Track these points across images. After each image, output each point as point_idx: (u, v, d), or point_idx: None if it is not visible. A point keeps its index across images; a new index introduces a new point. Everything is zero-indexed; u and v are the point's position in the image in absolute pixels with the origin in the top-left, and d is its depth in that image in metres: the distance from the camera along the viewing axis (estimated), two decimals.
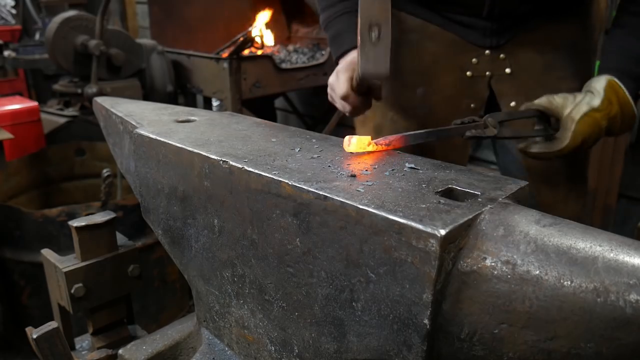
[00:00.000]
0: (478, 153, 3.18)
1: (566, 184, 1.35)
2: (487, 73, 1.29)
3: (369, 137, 0.80)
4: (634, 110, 1.12)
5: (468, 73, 1.29)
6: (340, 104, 1.19)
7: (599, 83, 1.11)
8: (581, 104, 1.08)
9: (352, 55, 1.19)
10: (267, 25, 3.81)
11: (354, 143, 0.80)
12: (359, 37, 0.93)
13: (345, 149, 0.80)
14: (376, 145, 0.81)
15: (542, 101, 1.11)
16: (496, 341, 0.55)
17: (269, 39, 3.71)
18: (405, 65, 1.35)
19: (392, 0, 1.30)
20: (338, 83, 1.15)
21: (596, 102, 1.08)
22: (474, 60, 1.28)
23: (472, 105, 1.31)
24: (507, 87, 1.29)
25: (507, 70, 1.27)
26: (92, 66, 2.66)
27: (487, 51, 1.27)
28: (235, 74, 2.79)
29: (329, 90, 1.22)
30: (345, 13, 1.26)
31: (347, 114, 1.22)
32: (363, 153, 0.81)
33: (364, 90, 1.13)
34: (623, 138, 2.42)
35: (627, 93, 1.10)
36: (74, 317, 1.08)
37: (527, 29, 1.26)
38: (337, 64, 1.24)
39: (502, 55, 1.27)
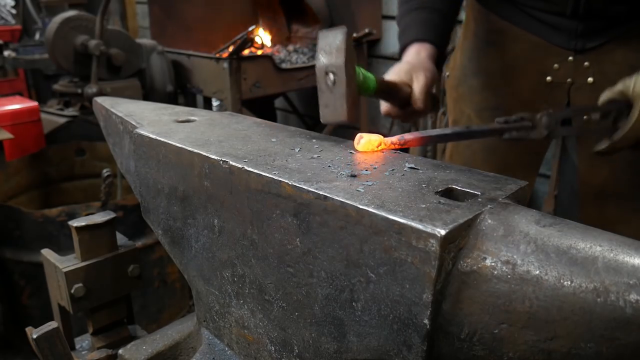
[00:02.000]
0: None
1: (631, 200, 1.25)
2: (568, 80, 1.23)
3: (379, 137, 0.80)
4: None
5: (548, 78, 1.25)
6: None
7: None
8: None
9: (407, 56, 1.13)
10: (267, 26, 3.82)
11: (363, 142, 0.79)
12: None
13: (356, 147, 0.81)
14: (388, 144, 0.80)
15: (616, 88, 1.02)
16: (496, 341, 0.55)
17: (266, 39, 3.72)
18: (486, 65, 1.33)
19: (482, 2, 1.21)
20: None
21: None
22: (555, 65, 1.23)
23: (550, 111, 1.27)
24: (584, 98, 1.22)
25: (590, 80, 1.21)
26: (92, 66, 2.66)
27: (570, 57, 1.21)
28: (235, 74, 2.79)
29: None
30: (418, 9, 1.20)
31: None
32: (372, 152, 0.80)
33: (401, 104, 1.07)
34: None
35: None
36: (74, 317, 1.08)
37: (620, 35, 1.17)
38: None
39: (586, 63, 1.20)
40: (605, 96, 1.04)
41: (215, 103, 3.01)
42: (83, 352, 1.09)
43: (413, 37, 1.15)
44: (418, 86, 1.04)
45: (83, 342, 1.12)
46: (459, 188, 0.66)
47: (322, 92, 0.89)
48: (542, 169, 1.41)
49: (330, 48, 0.87)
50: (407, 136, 0.83)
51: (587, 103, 1.17)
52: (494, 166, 1.27)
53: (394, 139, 0.82)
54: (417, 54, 1.12)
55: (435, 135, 0.85)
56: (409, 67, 1.08)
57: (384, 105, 1.08)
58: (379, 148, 0.81)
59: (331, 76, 0.86)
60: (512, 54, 1.28)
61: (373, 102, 3.57)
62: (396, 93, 1.03)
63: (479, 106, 1.35)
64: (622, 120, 1.01)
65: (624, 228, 1.10)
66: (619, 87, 1.02)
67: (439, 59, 1.16)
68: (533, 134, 0.93)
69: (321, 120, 0.91)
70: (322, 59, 0.88)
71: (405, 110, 1.08)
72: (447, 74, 1.49)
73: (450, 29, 1.21)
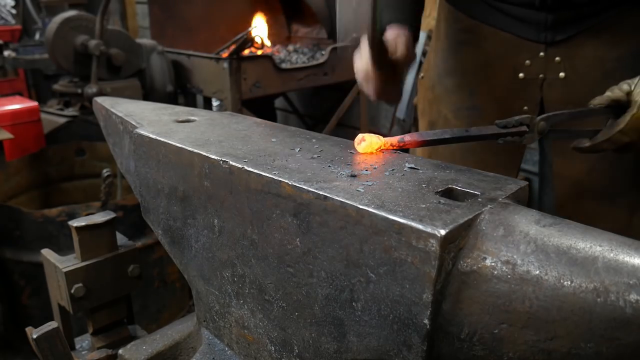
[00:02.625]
0: None
1: (608, 194, 1.23)
2: (540, 76, 1.22)
3: (380, 138, 0.80)
4: None
5: (521, 75, 1.24)
6: (363, 85, 1.05)
7: None
8: None
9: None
10: (267, 26, 3.82)
11: (364, 144, 0.80)
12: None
13: (357, 149, 0.81)
14: (388, 146, 0.81)
15: (609, 93, 1.00)
16: (496, 341, 0.55)
17: (266, 39, 3.71)
18: (460, 65, 1.33)
19: (451, 2, 1.20)
20: (358, 57, 1.02)
21: None
22: (527, 61, 1.23)
23: (525, 108, 1.25)
24: (557, 93, 1.22)
25: (561, 75, 1.20)
26: (92, 66, 2.66)
27: (541, 52, 1.20)
28: (235, 74, 2.79)
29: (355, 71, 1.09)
30: None
31: (372, 100, 1.10)
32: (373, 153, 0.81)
33: (386, 65, 1.01)
34: None
35: None
36: (74, 317, 1.08)
37: (589, 28, 1.16)
38: None
39: (557, 58, 1.20)
40: (605, 98, 1.02)
41: (215, 103, 3.01)
42: (83, 352, 1.09)
43: (387, 21, 1.10)
44: (400, 40, 1.00)
45: (83, 342, 1.12)
46: (459, 188, 0.66)
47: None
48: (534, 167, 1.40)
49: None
50: (407, 138, 0.83)
51: (558, 99, 1.17)
52: (471, 165, 1.24)
53: (394, 140, 0.82)
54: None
55: (434, 138, 0.85)
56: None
57: (364, 60, 1.01)
58: (379, 150, 0.81)
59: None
60: (484, 53, 1.28)
61: (373, 102, 3.57)
62: (383, 50, 1.01)
63: (456, 106, 1.35)
64: (610, 123, 1.00)
65: (600, 223, 1.11)
66: (623, 87, 1.00)
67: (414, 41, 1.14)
68: (526, 140, 0.91)
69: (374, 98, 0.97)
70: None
71: (386, 77, 1.03)
72: (422, 75, 1.49)
73: (421, 9, 1.20)
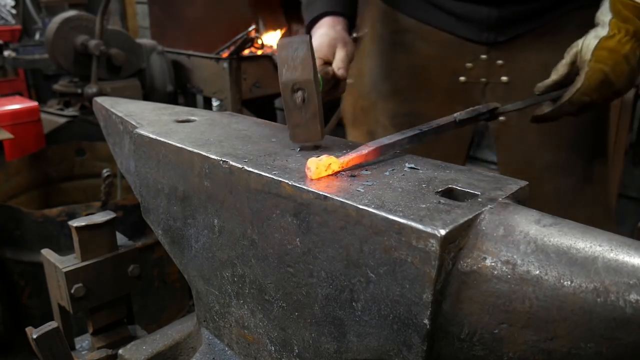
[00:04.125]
0: (478, 153, 3.18)
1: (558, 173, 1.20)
2: (482, 80, 1.18)
3: (332, 158, 0.70)
4: None
5: (462, 79, 1.19)
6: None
7: (604, 7, 0.93)
8: (588, 41, 0.92)
9: (322, 29, 1.04)
10: (267, 26, 3.81)
11: (311, 172, 0.68)
12: (283, 103, 0.82)
13: (309, 176, 0.68)
14: (345, 163, 0.72)
15: (554, 76, 0.97)
16: (496, 341, 0.55)
17: (266, 39, 3.71)
18: (396, 69, 1.27)
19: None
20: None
21: (602, 31, 0.91)
22: (468, 64, 1.18)
23: None
24: (499, 98, 1.14)
25: (504, 79, 1.17)
26: (92, 66, 2.67)
27: (483, 55, 1.16)
28: (235, 74, 2.79)
29: None
30: None
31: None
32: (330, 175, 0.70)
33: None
34: (623, 138, 2.41)
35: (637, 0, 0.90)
36: (74, 317, 1.08)
37: (533, 30, 1.13)
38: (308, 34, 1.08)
39: (499, 61, 1.16)
40: (550, 80, 0.98)
41: (215, 103, 3.01)
42: (83, 352, 1.09)
43: (324, 10, 1.08)
44: (340, 55, 0.99)
45: (83, 342, 1.12)
46: (459, 188, 0.66)
47: (291, 110, 0.80)
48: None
49: (294, 61, 0.78)
50: (365, 149, 0.74)
51: (502, 103, 1.06)
52: (419, 152, 1.19)
53: (352, 155, 0.73)
54: (332, 27, 1.06)
55: (394, 141, 0.78)
56: (329, 40, 1.02)
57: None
58: (333, 171, 0.70)
59: (300, 93, 0.78)
60: (422, 55, 1.22)
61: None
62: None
63: (393, 113, 1.29)
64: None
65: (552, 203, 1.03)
66: (567, 59, 0.96)
67: (350, 31, 1.11)
68: (484, 109, 0.89)
69: (291, 140, 0.83)
70: (287, 74, 0.79)
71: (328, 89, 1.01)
72: (351, 81, 1.35)
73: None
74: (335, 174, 0.71)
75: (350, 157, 0.72)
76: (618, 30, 0.89)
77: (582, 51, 0.92)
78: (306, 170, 0.69)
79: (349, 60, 1.00)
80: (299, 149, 0.82)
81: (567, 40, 1.06)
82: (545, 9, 1.10)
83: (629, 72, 0.91)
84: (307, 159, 0.74)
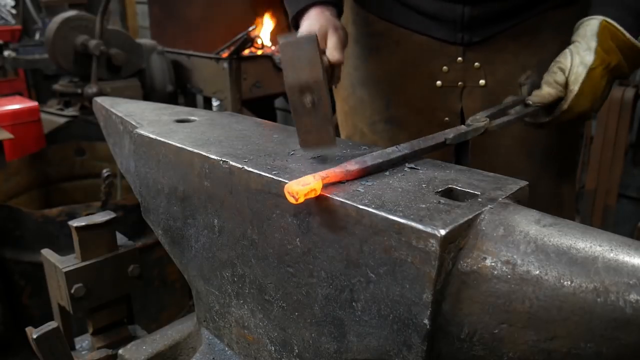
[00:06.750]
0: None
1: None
2: (459, 83, 1.14)
3: (312, 178, 0.62)
4: None
5: (438, 83, 1.15)
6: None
7: (590, 28, 0.93)
8: (576, 68, 0.93)
9: (312, 19, 0.98)
10: (267, 25, 3.81)
11: (290, 196, 0.61)
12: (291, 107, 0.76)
13: (295, 202, 0.61)
14: (325, 181, 0.64)
15: (549, 89, 0.96)
16: (496, 341, 0.55)
17: (266, 39, 3.71)
18: (373, 74, 1.22)
19: (359, 1, 1.09)
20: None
21: (589, 58, 0.92)
22: (444, 67, 1.13)
23: (446, 119, 1.17)
24: (477, 103, 1.13)
25: (481, 82, 1.12)
26: (92, 66, 2.66)
27: (459, 58, 1.12)
28: (235, 74, 2.79)
29: None
30: None
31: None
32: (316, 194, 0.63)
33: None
34: (623, 138, 2.42)
35: (627, 35, 0.92)
36: (74, 317, 1.08)
37: (509, 29, 1.09)
38: (294, 27, 1.03)
39: (476, 64, 1.12)
40: (546, 96, 0.97)
41: (215, 103, 3.01)
42: (83, 352, 1.09)
43: (311, 1, 1.01)
44: (332, 41, 0.94)
45: (83, 342, 1.12)
46: (459, 188, 0.66)
47: (299, 114, 0.75)
48: None
49: (300, 61, 0.73)
50: (349, 166, 0.68)
51: (478, 108, 1.02)
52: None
53: (337, 170, 0.66)
54: (321, 14, 0.99)
55: (381, 161, 0.71)
56: (320, 26, 0.95)
57: None
58: (316, 192, 0.62)
59: (309, 96, 0.73)
60: (397, 59, 1.18)
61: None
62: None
63: (372, 119, 1.25)
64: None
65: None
66: (558, 78, 0.96)
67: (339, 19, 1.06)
68: (474, 130, 0.84)
69: (301, 146, 0.77)
70: (294, 75, 0.73)
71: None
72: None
73: None
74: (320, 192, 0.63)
75: (333, 176, 0.66)
76: (601, 61, 0.92)
77: (571, 77, 0.94)
78: (287, 194, 0.61)
79: (343, 45, 0.95)
80: (298, 149, 0.81)
81: (543, 42, 1.06)
82: (519, 7, 1.08)
83: (600, 103, 0.97)
84: (307, 159, 0.74)
